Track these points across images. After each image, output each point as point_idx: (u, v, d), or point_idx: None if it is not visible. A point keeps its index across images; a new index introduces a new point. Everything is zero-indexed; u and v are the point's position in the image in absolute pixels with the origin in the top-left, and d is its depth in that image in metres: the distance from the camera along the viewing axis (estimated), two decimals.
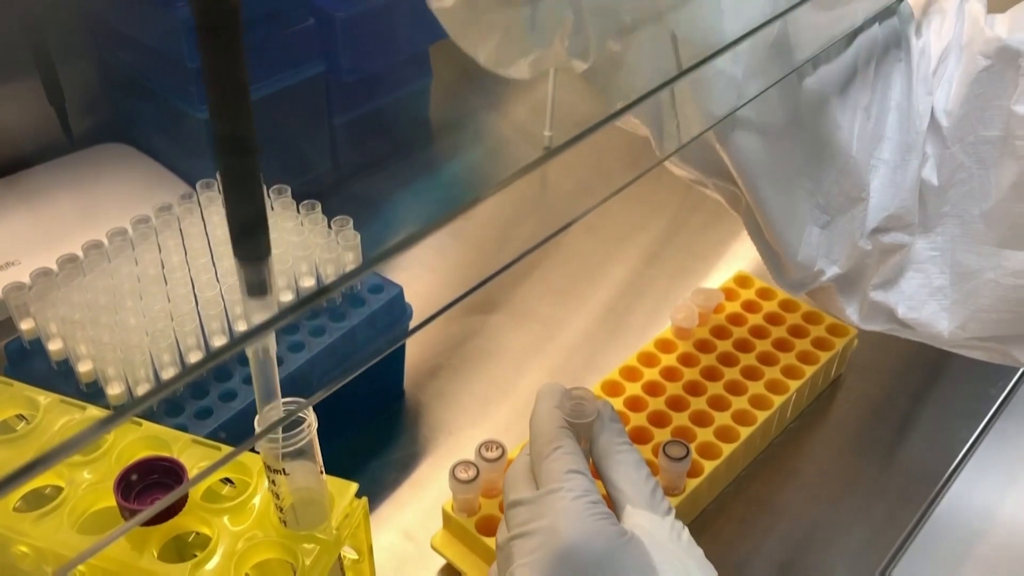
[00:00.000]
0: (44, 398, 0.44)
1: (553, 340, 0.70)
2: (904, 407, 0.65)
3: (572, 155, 0.32)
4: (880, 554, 0.55)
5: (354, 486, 0.42)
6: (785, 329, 0.63)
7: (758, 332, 0.63)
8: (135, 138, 0.80)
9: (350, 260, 0.55)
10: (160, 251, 0.54)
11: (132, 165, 0.77)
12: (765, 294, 0.66)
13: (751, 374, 0.60)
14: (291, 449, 0.37)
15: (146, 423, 0.44)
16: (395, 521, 0.57)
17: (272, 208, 0.57)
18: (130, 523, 0.33)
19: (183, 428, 0.46)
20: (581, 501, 0.41)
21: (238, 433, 0.49)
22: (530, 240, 0.32)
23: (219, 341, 0.51)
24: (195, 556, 0.39)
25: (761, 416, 0.57)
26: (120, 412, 0.21)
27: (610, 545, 0.39)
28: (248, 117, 0.25)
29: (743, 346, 0.62)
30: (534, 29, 0.38)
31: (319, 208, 0.56)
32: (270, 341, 0.32)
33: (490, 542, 0.50)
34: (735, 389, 0.59)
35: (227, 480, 0.43)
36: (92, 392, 0.49)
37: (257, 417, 0.35)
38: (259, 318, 0.29)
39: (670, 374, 0.60)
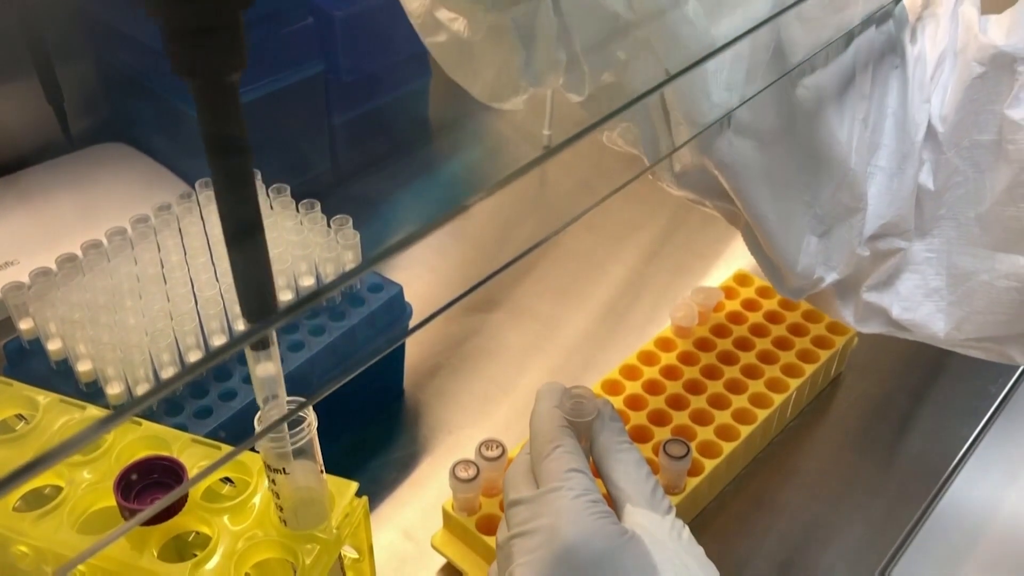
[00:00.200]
0: (43, 398, 0.44)
1: (553, 339, 0.70)
2: (904, 405, 0.65)
3: (571, 154, 0.32)
4: (880, 552, 0.55)
5: (354, 485, 0.42)
6: (785, 327, 0.63)
7: (758, 330, 0.63)
8: (134, 137, 0.80)
9: (349, 259, 0.55)
10: (159, 250, 0.54)
11: (131, 164, 0.77)
12: (765, 292, 0.66)
13: (751, 372, 0.60)
14: (291, 448, 0.37)
15: (146, 422, 0.44)
16: (395, 520, 0.57)
17: (271, 207, 0.57)
18: (130, 523, 0.33)
19: (183, 427, 0.46)
20: (581, 500, 0.41)
21: (238, 432, 0.49)
22: (530, 239, 0.32)
23: (219, 340, 0.51)
24: (195, 556, 0.39)
25: (761, 415, 0.57)
26: (120, 412, 0.21)
27: (610, 544, 0.39)
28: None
29: (743, 344, 0.62)
30: (528, 69, 0.38)
31: (318, 207, 0.56)
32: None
33: (490, 541, 0.50)
34: (735, 387, 0.59)
35: (227, 479, 0.43)
36: (91, 392, 0.49)
37: (257, 416, 0.35)
38: (264, 371, 0.30)
39: (670, 373, 0.60)
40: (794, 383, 0.59)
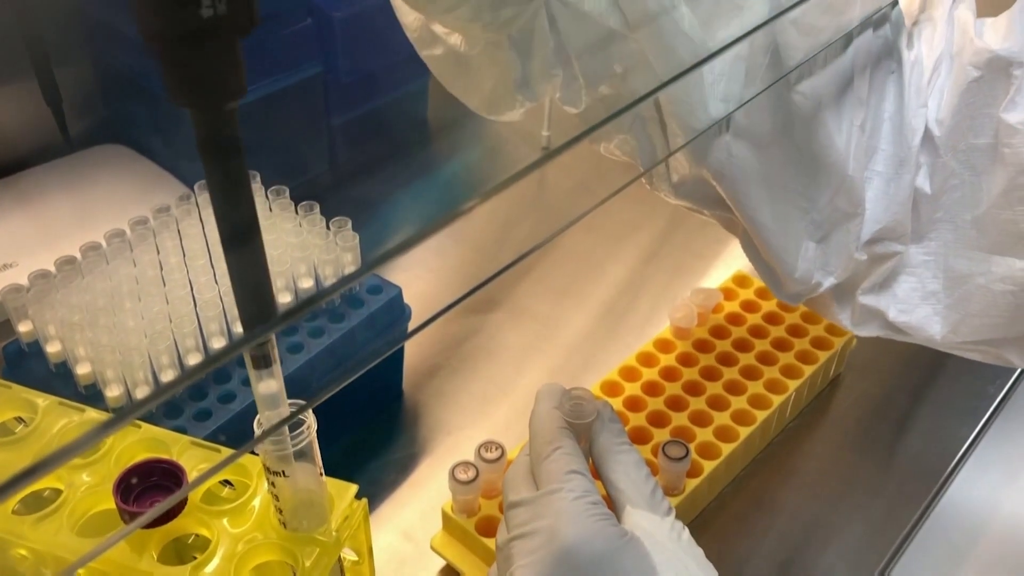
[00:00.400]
0: (43, 400, 0.44)
1: (552, 339, 0.70)
2: (903, 406, 0.65)
3: (570, 155, 0.32)
4: (880, 552, 0.55)
5: (354, 487, 0.42)
6: (784, 328, 0.63)
7: (757, 331, 0.63)
8: (133, 139, 0.80)
9: (349, 261, 0.55)
10: (158, 252, 0.54)
11: (130, 166, 0.77)
12: (764, 294, 0.66)
13: (750, 374, 0.60)
14: (291, 451, 0.37)
15: (145, 425, 0.44)
16: (394, 522, 0.57)
17: (270, 209, 0.57)
18: (130, 526, 0.33)
19: (182, 430, 0.46)
20: (581, 502, 0.41)
21: (237, 435, 0.49)
22: (529, 240, 0.32)
23: (218, 343, 0.51)
24: (195, 558, 0.39)
25: (760, 416, 0.57)
26: (120, 416, 0.21)
27: (610, 546, 0.39)
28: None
29: (742, 346, 0.62)
30: (525, 84, 0.38)
31: (317, 209, 0.56)
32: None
33: (490, 543, 0.50)
34: (734, 389, 0.59)
35: (226, 482, 0.43)
36: (91, 394, 0.49)
37: (256, 419, 0.35)
38: (266, 388, 0.30)
39: (669, 374, 0.60)
40: (793, 384, 0.59)
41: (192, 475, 0.41)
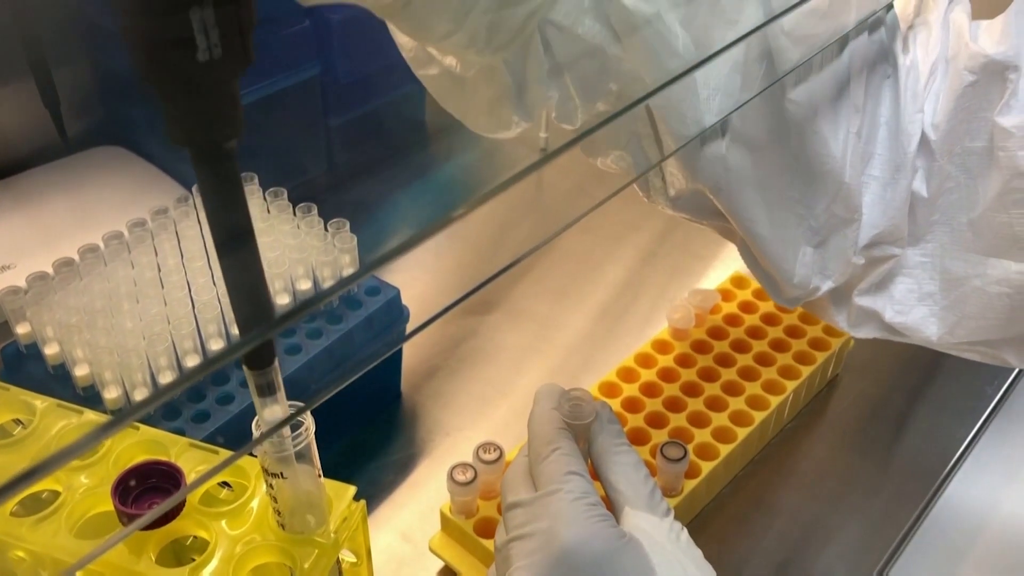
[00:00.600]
0: (41, 402, 0.44)
1: (550, 340, 0.70)
2: (901, 406, 0.65)
3: (568, 157, 0.32)
4: (878, 552, 0.56)
5: (352, 489, 0.42)
6: (782, 329, 0.63)
7: (755, 333, 0.63)
8: (131, 141, 0.80)
9: (347, 263, 0.55)
10: (156, 254, 0.54)
11: (127, 168, 0.77)
12: (761, 295, 0.66)
13: (748, 375, 0.60)
14: (289, 452, 0.37)
15: (143, 427, 0.44)
16: (393, 523, 0.57)
17: (268, 211, 0.57)
18: (129, 528, 0.33)
19: (180, 432, 0.46)
20: (580, 503, 0.41)
21: (235, 436, 0.49)
22: (527, 242, 0.32)
23: (216, 344, 0.51)
24: (193, 560, 0.39)
25: (758, 417, 0.57)
26: (119, 418, 0.21)
27: (609, 547, 0.39)
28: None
29: (740, 347, 0.62)
30: (520, 105, 0.39)
31: (315, 211, 0.56)
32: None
33: (488, 544, 0.50)
34: (732, 390, 0.59)
35: (225, 484, 0.43)
36: (89, 396, 0.49)
37: (255, 420, 0.35)
38: (271, 414, 0.30)
39: (667, 375, 0.60)
40: (791, 385, 0.59)
41: (190, 477, 0.41)
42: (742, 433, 0.56)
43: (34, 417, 0.44)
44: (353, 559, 0.45)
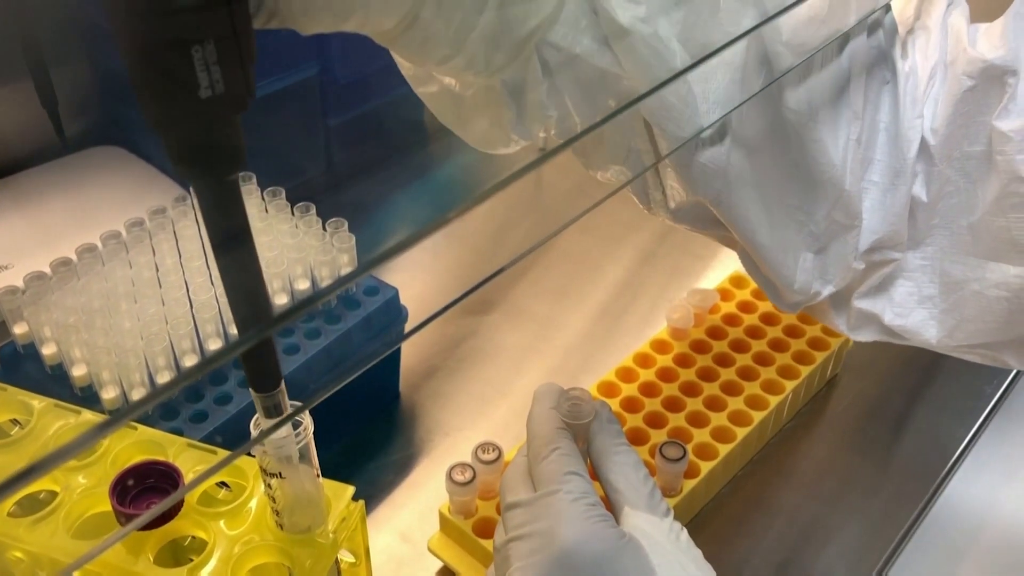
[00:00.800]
0: (38, 402, 0.44)
1: (549, 340, 0.70)
2: (900, 406, 0.65)
3: (567, 157, 0.32)
4: (878, 552, 0.55)
5: (351, 489, 0.42)
6: (781, 329, 0.63)
7: (754, 332, 0.63)
8: (128, 141, 0.79)
9: (345, 262, 0.55)
10: (154, 254, 0.54)
11: (125, 168, 0.77)
12: (760, 295, 0.66)
13: (747, 374, 0.60)
14: (288, 452, 0.36)
15: (141, 427, 0.44)
16: (392, 523, 0.57)
17: (267, 211, 0.57)
18: (127, 528, 0.33)
19: (178, 432, 0.46)
20: (579, 503, 0.41)
21: (234, 436, 0.49)
22: (525, 241, 0.32)
23: (214, 344, 0.51)
24: (191, 560, 0.39)
25: (757, 416, 0.57)
26: (117, 418, 0.21)
27: (608, 547, 0.39)
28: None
29: (739, 346, 0.62)
30: (519, 124, 0.39)
31: (314, 210, 0.56)
32: None
33: (487, 544, 0.50)
34: (731, 390, 0.59)
35: (223, 484, 0.43)
36: (87, 396, 0.49)
37: (254, 420, 0.34)
38: (278, 434, 0.30)
39: (666, 375, 0.60)
40: (790, 385, 0.59)
41: (188, 477, 0.41)
42: (741, 433, 0.56)
43: (31, 417, 0.44)
44: (352, 559, 0.44)
